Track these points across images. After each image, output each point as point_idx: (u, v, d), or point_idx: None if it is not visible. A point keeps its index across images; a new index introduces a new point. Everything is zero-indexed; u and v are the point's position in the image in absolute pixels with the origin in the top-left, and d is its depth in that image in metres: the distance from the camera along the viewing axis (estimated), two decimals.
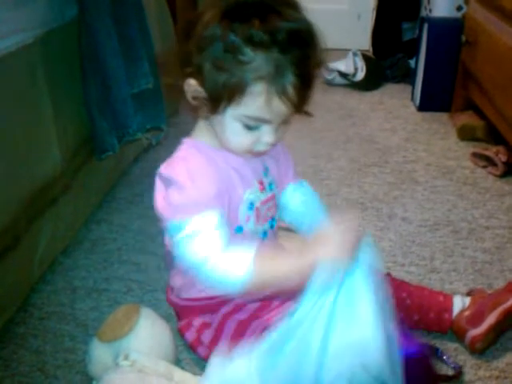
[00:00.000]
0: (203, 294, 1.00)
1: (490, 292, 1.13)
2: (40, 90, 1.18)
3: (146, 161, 1.78)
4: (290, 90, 0.79)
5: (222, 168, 0.90)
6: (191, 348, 1.04)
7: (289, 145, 1.05)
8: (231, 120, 0.84)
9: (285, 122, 0.86)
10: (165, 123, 1.46)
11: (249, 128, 0.84)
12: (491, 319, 1.05)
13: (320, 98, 2.36)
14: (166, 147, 1.40)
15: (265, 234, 0.99)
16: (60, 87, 1.25)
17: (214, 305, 1.01)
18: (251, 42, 0.77)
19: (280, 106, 0.81)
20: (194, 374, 0.99)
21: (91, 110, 1.31)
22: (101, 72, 1.27)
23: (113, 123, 1.33)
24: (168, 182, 0.90)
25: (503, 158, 1.68)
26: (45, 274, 1.27)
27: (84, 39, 1.26)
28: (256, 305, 1.00)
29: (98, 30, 1.25)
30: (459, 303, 1.09)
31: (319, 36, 0.82)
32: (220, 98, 0.81)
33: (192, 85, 0.84)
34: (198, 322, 1.02)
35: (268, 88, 0.78)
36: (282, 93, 0.79)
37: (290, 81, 0.79)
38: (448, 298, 1.09)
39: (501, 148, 1.72)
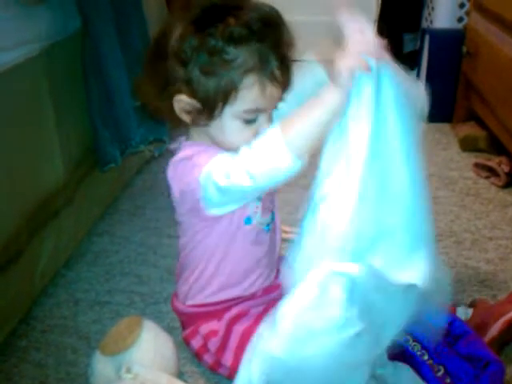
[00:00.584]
0: (209, 300, 1.00)
1: (492, 303, 1.13)
2: (44, 101, 1.18)
3: (148, 173, 1.78)
4: (278, 73, 0.83)
5: None
6: (197, 356, 1.04)
7: None
8: (230, 120, 0.85)
9: (276, 106, 0.89)
10: (167, 135, 1.47)
11: (247, 122, 0.86)
12: (494, 331, 1.04)
13: None
14: (168, 159, 1.40)
15: (268, 226, 0.99)
16: (63, 99, 1.25)
17: (219, 311, 1.01)
18: (232, 39, 0.80)
19: (273, 91, 0.84)
20: None
21: (94, 121, 1.31)
22: (104, 84, 1.28)
23: (116, 135, 1.33)
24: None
25: (506, 168, 1.68)
26: (47, 287, 1.27)
27: (87, 51, 1.27)
28: (259, 309, 1.00)
29: (102, 42, 1.26)
30: (462, 314, 1.08)
31: (281, 14, 0.86)
32: (215, 101, 0.83)
33: (183, 100, 0.85)
34: (204, 329, 1.01)
35: (258, 78, 0.82)
36: (272, 78, 0.83)
37: (275, 65, 0.83)
38: (451, 309, 1.09)
39: (503, 158, 1.72)
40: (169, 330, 1.11)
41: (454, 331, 1.00)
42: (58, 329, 1.16)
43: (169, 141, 1.49)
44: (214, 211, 0.89)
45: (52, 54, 1.20)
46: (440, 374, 0.92)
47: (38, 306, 1.22)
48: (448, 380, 0.91)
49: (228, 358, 0.98)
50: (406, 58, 2.57)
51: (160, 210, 1.59)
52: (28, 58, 1.12)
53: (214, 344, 0.99)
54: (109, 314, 1.20)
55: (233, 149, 0.86)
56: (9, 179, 1.07)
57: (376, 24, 2.71)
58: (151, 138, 1.41)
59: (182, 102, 0.86)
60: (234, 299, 1.01)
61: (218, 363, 1.00)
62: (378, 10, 2.68)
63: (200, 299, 1.02)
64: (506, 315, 1.06)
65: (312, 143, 0.79)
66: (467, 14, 2.09)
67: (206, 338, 1.01)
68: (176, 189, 0.91)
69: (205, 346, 1.01)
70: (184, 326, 1.07)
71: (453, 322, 1.00)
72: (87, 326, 1.17)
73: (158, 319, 1.15)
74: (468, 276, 1.29)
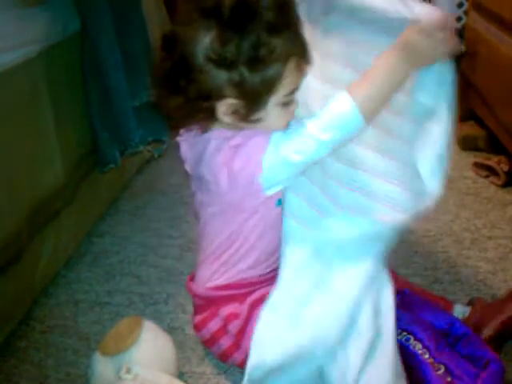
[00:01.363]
0: (233, 280, 1.01)
1: (490, 302, 1.13)
2: (43, 103, 1.19)
3: (148, 173, 1.78)
4: (307, 50, 0.87)
5: None
6: (210, 340, 1.03)
7: None
8: (272, 108, 0.87)
9: None
10: (166, 135, 1.47)
11: (286, 105, 0.87)
12: (490, 329, 1.04)
13: None
14: (167, 159, 1.41)
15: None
16: (63, 100, 1.26)
17: (241, 294, 1.01)
18: (273, 29, 0.81)
19: (305, 66, 0.87)
20: None
21: (93, 122, 1.32)
22: (103, 85, 1.28)
23: (115, 136, 1.34)
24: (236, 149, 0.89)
25: (505, 167, 1.68)
26: (47, 288, 1.27)
27: (86, 53, 1.27)
28: None
29: (101, 44, 1.26)
30: (459, 313, 1.09)
31: None
32: (262, 95, 0.84)
33: (229, 103, 0.85)
34: (225, 311, 1.01)
35: (297, 61, 0.84)
36: (306, 57, 0.87)
37: (305, 44, 0.86)
38: (449, 305, 1.10)
39: (502, 158, 1.72)
40: (168, 330, 1.11)
41: (455, 332, 1.00)
42: (57, 329, 1.16)
43: (168, 141, 1.49)
44: (270, 191, 0.90)
45: (51, 56, 1.20)
46: (440, 372, 0.92)
47: (38, 306, 1.22)
48: (449, 379, 0.91)
49: (248, 341, 0.97)
50: None
51: (160, 210, 1.59)
52: (27, 60, 1.12)
53: (235, 326, 0.99)
54: (109, 315, 1.20)
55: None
56: (8, 180, 1.07)
57: None
58: (150, 139, 1.41)
59: (227, 105, 0.85)
60: (256, 282, 1.02)
61: (237, 346, 1.00)
62: None
63: (226, 279, 1.01)
64: (503, 314, 1.06)
65: (378, 107, 0.87)
66: (466, 13, 2.10)
67: (227, 319, 1.00)
68: (225, 176, 0.89)
69: (224, 329, 1.01)
70: (199, 311, 1.05)
71: (453, 323, 1.01)
72: (87, 326, 1.17)
73: (157, 320, 1.15)
74: (467, 275, 1.29)
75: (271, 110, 0.87)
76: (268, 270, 1.03)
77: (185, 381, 1.02)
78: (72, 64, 1.29)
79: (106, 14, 1.26)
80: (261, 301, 0.98)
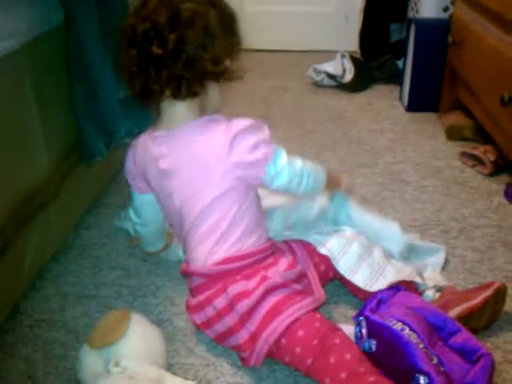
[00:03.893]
0: (232, 251, 1.05)
1: (460, 290, 1.15)
2: (27, 96, 1.17)
3: None
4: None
5: None
6: (212, 319, 1.04)
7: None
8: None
9: None
10: (152, 127, 1.46)
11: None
12: (452, 314, 1.06)
13: (308, 99, 2.37)
14: None
15: None
16: (47, 93, 1.24)
17: (242, 267, 1.04)
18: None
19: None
20: (186, 379, 0.99)
21: (78, 115, 1.30)
22: (88, 77, 1.27)
23: (100, 129, 1.33)
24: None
25: (491, 157, 1.69)
26: (34, 281, 1.26)
27: (71, 45, 1.25)
28: (298, 287, 1.05)
29: (85, 36, 1.24)
30: (428, 297, 1.13)
31: None
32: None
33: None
34: (234, 289, 1.02)
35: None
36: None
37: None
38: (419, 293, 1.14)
39: (489, 147, 1.73)
40: (157, 322, 1.11)
41: (448, 328, 1.01)
42: (45, 323, 1.16)
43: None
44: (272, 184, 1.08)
45: (34, 48, 1.19)
46: (434, 362, 0.93)
47: (26, 300, 1.22)
48: (442, 369, 0.93)
49: (254, 322, 0.99)
50: (392, 48, 2.58)
51: None
52: (9, 52, 1.10)
53: (244, 305, 1.00)
54: (97, 308, 1.20)
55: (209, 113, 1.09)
56: None
57: (362, 14, 2.71)
58: (136, 131, 1.39)
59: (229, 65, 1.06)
60: (254, 253, 1.07)
61: (241, 324, 1.00)
62: (365, 0, 2.68)
63: (225, 251, 1.05)
64: (467, 302, 1.07)
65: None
66: (453, 3, 2.10)
67: (236, 298, 1.01)
68: (235, 159, 1.02)
69: (230, 306, 1.01)
70: (200, 290, 1.06)
71: (446, 320, 1.02)
72: (75, 319, 1.16)
73: (146, 312, 1.15)
74: (455, 264, 1.30)
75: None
76: (260, 242, 1.09)
77: (174, 373, 1.02)
78: (56, 56, 1.27)
79: (90, 5, 1.25)
80: (277, 288, 1.02)
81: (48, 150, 1.25)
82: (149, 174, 1.11)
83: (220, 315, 1.03)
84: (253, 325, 1.00)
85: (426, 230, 1.44)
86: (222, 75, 1.05)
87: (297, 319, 0.99)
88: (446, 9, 2.18)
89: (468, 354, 0.96)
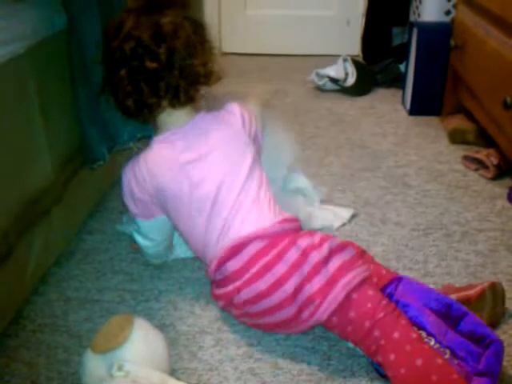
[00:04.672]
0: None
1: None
2: (30, 100, 1.17)
3: None
4: None
5: None
6: (286, 273, 1.01)
7: None
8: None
9: None
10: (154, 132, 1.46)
11: None
12: None
13: (311, 103, 2.37)
14: None
15: None
16: (51, 97, 1.25)
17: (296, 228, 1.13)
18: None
19: None
20: (189, 383, 0.99)
21: (81, 119, 1.31)
22: (90, 81, 1.27)
23: (103, 133, 1.33)
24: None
25: (494, 160, 1.69)
26: (37, 286, 1.26)
27: (73, 49, 1.26)
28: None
29: (87, 40, 1.25)
30: None
31: None
32: None
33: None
34: (303, 242, 1.03)
35: None
36: None
37: None
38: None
39: (492, 151, 1.73)
40: (160, 327, 1.11)
41: (453, 313, 1.03)
42: (48, 328, 1.16)
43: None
44: None
45: (38, 52, 1.19)
46: (447, 356, 0.95)
47: (29, 304, 1.22)
48: (455, 361, 0.95)
49: (329, 270, 1.00)
50: (394, 52, 2.58)
51: None
52: (14, 57, 1.11)
53: (316, 255, 1.01)
54: (100, 312, 1.19)
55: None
56: None
57: (364, 18, 2.71)
58: (139, 135, 1.40)
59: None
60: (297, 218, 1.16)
61: (316, 272, 1.00)
62: (367, 4, 2.69)
63: (276, 214, 1.12)
64: (465, 291, 1.10)
65: None
66: (455, 7, 2.10)
67: (308, 249, 1.02)
68: (247, 131, 1.20)
69: (303, 257, 1.01)
70: (258, 257, 1.04)
71: (451, 304, 1.03)
72: (78, 324, 1.16)
73: (149, 316, 1.15)
74: (458, 268, 1.30)
75: None
76: None
77: (177, 377, 1.01)
78: (60, 60, 1.27)
79: (93, 9, 1.25)
80: (336, 248, 1.04)
81: (51, 154, 1.25)
82: (165, 176, 1.11)
83: (294, 267, 1.01)
84: (329, 272, 1.00)
85: (429, 233, 1.44)
86: (211, 77, 1.12)
87: (365, 279, 1.02)
88: (447, 12, 2.19)
89: (478, 339, 0.98)
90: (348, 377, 1.02)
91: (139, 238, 1.24)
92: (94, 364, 0.96)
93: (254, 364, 1.06)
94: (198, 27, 1.13)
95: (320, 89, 2.51)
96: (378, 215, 1.53)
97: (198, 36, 1.11)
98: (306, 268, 1.01)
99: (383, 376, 0.99)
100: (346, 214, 1.51)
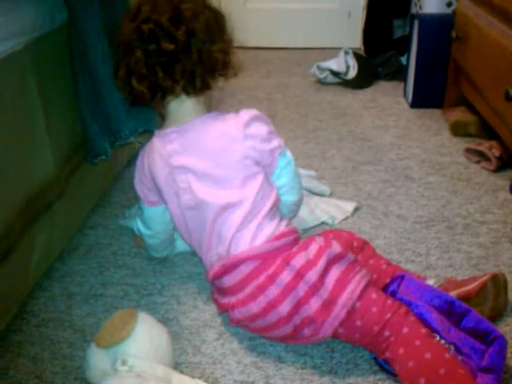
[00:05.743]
0: (281, 228, 1.08)
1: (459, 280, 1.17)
2: (32, 95, 1.17)
3: None
4: None
5: None
6: (282, 293, 0.99)
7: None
8: None
9: None
10: (156, 126, 1.46)
11: None
12: None
13: (312, 97, 2.37)
14: None
15: None
16: (52, 93, 1.24)
17: (291, 243, 1.07)
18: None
19: None
20: (193, 377, 0.99)
21: (83, 114, 1.30)
22: (92, 76, 1.27)
23: (105, 128, 1.33)
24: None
25: (496, 152, 1.69)
26: (41, 281, 1.26)
27: (74, 44, 1.25)
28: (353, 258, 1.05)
29: (88, 34, 1.24)
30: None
31: None
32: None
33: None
34: (297, 261, 1.00)
35: None
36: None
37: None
38: (421, 279, 1.15)
39: (494, 143, 1.72)
40: (163, 321, 1.11)
41: (456, 310, 1.03)
42: (52, 323, 1.16)
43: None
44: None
45: (39, 47, 1.19)
46: (451, 352, 0.96)
47: (32, 300, 1.22)
48: (459, 357, 0.95)
49: (327, 288, 0.98)
50: (395, 44, 2.57)
51: None
52: (14, 52, 1.11)
53: (313, 274, 0.98)
54: (103, 307, 1.20)
55: None
56: None
57: (365, 11, 2.70)
58: (140, 130, 1.40)
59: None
60: (295, 230, 1.12)
61: (312, 293, 0.98)
62: None
63: (275, 227, 1.07)
64: (466, 286, 1.10)
65: None
66: None
67: (303, 269, 0.99)
68: (251, 143, 1.07)
69: (297, 278, 0.99)
70: (251, 277, 1.02)
71: (453, 302, 1.04)
72: (82, 319, 1.17)
73: (152, 311, 1.15)
74: (460, 260, 1.30)
75: None
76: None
77: (181, 371, 1.02)
78: (60, 55, 1.27)
79: (93, 4, 1.25)
80: (334, 258, 1.01)
81: (53, 149, 1.25)
82: (159, 176, 1.10)
83: (287, 290, 0.99)
84: (326, 291, 0.98)
85: (431, 226, 1.44)
86: (229, 67, 1.09)
87: (366, 284, 1.01)
88: (449, 4, 2.18)
89: (481, 336, 0.99)
90: (351, 369, 1.03)
91: (140, 225, 1.24)
92: (97, 358, 0.96)
93: (257, 357, 1.06)
94: (219, 17, 1.10)
95: (321, 82, 2.50)
96: (381, 208, 1.53)
97: (218, 25, 1.08)
98: (302, 289, 0.98)
99: (389, 373, 1.00)
100: (349, 207, 1.51)
